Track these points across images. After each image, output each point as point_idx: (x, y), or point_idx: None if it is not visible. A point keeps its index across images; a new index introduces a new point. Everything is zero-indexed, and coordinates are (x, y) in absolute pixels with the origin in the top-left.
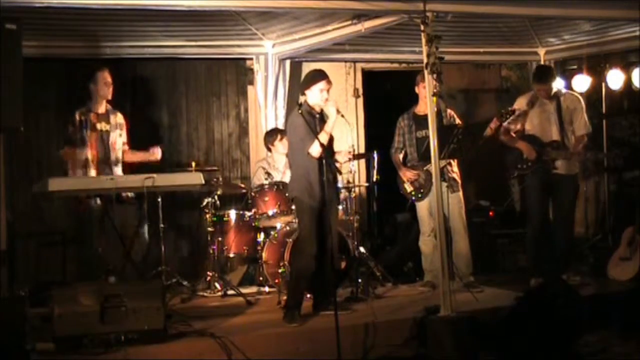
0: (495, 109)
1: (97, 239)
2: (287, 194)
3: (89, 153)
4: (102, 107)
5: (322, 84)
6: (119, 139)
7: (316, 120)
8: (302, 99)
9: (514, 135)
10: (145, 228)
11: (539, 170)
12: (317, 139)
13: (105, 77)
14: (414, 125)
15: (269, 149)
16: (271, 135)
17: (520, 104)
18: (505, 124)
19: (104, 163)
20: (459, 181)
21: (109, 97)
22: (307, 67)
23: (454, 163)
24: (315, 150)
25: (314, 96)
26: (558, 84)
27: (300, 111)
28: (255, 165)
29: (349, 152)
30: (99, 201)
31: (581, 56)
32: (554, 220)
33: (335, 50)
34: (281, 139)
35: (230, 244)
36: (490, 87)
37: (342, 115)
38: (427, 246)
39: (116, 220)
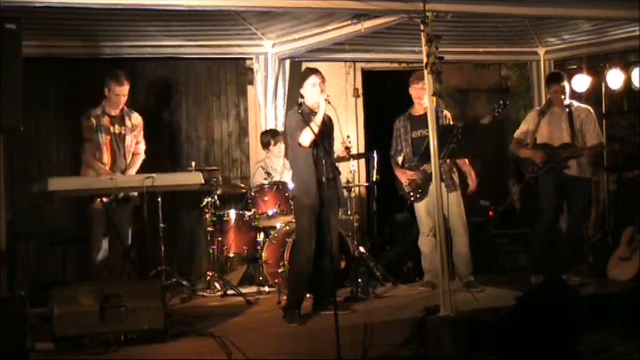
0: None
1: (98, 239)
2: (287, 194)
3: (105, 157)
4: (117, 110)
5: (312, 79)
6: (134, 141)
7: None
8: (301, 100)
9: (525, 149)
10: (145, 228)
11: (551, 172)
12: (310, 127)
13: (117, 90)
14: (410, 126)
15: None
16: (265, 137)
17: (531, 117)
18: (517, 136)
19: (118, 169)
20: (458, 182)
21: (119, 108)
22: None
23: (452, 163)
24: (306, 139)
25: (309, 93)
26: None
27: (300, 111)
28: (255, 165)
29: (343, 143)
30: (105, 200)
31: (581, 56)
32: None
33: (335, 50)
34: (275, 144)
35: (230, 244)
36: (490, 87)
37: (329, 102)
38: (427, 246)
39: (116, 220)
